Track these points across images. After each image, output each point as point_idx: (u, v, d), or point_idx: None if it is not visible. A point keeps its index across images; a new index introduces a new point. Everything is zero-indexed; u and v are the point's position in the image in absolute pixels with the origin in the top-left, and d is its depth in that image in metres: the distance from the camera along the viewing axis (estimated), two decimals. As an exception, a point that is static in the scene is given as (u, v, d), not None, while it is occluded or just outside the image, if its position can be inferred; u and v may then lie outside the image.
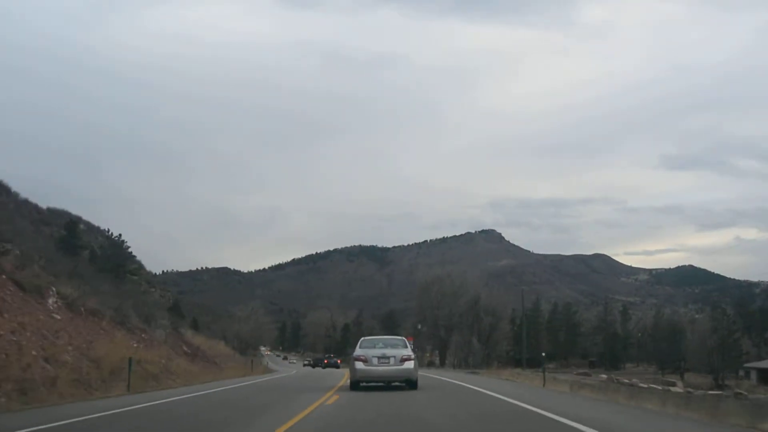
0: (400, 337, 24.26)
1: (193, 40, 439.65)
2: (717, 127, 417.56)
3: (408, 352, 19.57)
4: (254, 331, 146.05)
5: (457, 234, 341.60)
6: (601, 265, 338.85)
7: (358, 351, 19.79)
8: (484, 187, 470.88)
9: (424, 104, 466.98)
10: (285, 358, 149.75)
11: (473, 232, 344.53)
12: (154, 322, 36.64)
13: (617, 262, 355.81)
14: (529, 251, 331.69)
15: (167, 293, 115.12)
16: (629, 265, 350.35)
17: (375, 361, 19.05)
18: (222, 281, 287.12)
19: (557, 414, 11.39)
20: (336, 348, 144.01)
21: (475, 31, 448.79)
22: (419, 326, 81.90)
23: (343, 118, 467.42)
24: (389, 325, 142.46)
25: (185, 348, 38.87)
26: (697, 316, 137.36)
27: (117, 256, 62.00)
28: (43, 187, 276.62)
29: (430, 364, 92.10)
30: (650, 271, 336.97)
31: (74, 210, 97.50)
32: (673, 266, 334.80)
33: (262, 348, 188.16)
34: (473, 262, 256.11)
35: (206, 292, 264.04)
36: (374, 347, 20.17)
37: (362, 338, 22.76)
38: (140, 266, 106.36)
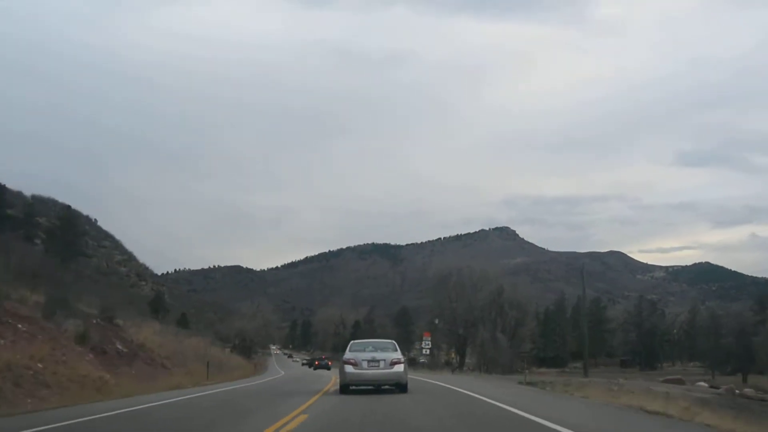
0: (390, 341, 22.72)
1: (203, 39, 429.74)
2: (732, 123, 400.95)
3: (398, 355, 19.17)
4: (261, 329, 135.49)
5: (471, 231, 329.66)
6: (616, 263, 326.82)
7: (348, 354, 19.27)
8: (496, 184, 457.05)
9: (436, 102, 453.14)
10: (290, 356, 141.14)
11: (487, 229, 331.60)
12: (65, 310, 25.15)
13: (632, 259, 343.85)
14: (544, 249, 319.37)
15: (162, 287, 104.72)
16: (645, 262, 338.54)
17: (365, 364, 18.48)
18: (234, 279, 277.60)
19: None
20: (345, 347, 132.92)
21: (487, 28, 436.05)
22: (436, 321, 70.32)
23: (354, 116, 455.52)
24: (402, 323, 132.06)
25: (119, 346, 27.46)
26: (719, 312, 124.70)
27: (68, 235, 51.16)
28: (52, 187, 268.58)
29: (448, 364, 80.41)
30: (666, 268, 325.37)
31: (84, 210, 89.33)
32: (689, 263, 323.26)
33: (273, 347, 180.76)
34: (488, 260, 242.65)
35: (218, 290, 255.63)
36: (364, 350, 19.54)
37: (352, 341, 22.08)
38: (131, 258, 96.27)
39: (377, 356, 18.62)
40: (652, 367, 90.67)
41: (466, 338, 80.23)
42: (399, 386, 18.41)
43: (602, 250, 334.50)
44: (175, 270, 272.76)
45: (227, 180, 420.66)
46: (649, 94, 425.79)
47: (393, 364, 18.38)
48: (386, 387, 18.61)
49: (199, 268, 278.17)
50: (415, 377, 28.64)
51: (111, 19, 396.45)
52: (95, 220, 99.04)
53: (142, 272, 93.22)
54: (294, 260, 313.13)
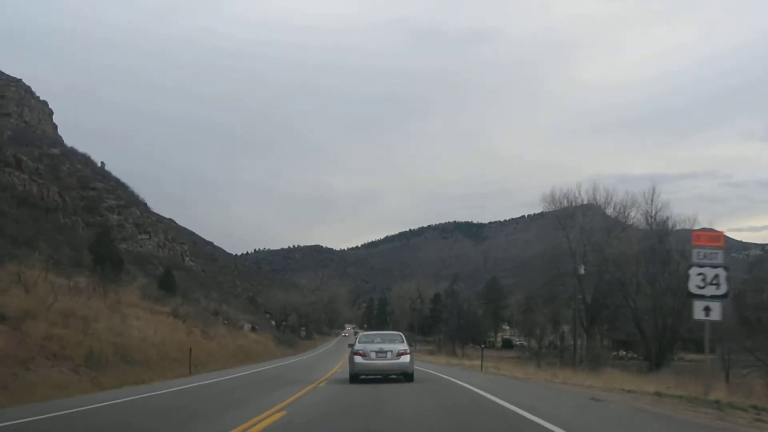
0: (397, 332, 22.22)
1: (280, 25, 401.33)
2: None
3: (404, 347, 18.96)
4: (326, 306, 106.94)
5: (556, 209, 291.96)
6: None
7: (357, 346, 19.04)
8: (580, 162, 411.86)
9: (520, 78, 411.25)
10: (356, 334, 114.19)
11: (573, 206, 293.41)
12: None
13: (726, 236, 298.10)
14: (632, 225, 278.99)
15: (175, 244, 77.17)
16: (739, 240, 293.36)
17: (373, 355, 18.41)
18: (314, 259, 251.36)
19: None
20: (423, 325, 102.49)
21: (571, 2, 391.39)
22: (582, 269, 39.49)
23: (436, 96, 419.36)
24: (491, 297, 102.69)
25: None
26: None
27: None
28: (144, 182, 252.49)
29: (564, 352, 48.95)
30: (763, 246, 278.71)
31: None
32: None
33: (347, 326, 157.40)
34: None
35: (297, 270, 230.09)
36: (372, 342, 19.41)
37: (361, 333, 23.18)
38: (126, 205, 68.84)
39: (384, 347, 18.54)
40: None
41: (599, 310, 48.36)
42: (405, 375, 18.40)
43: (694, 228, 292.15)
44: (255, 250, 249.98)
45: (309, 164, 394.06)
46: (738, 62, 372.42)
47: (399, 354, 18.30)
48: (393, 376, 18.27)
49: (278, 248, 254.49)
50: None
51: (187, 9, 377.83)
52: (102, 163, 73.65)
53: (150, 225, 65.25)
54: (374, 239, 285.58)
